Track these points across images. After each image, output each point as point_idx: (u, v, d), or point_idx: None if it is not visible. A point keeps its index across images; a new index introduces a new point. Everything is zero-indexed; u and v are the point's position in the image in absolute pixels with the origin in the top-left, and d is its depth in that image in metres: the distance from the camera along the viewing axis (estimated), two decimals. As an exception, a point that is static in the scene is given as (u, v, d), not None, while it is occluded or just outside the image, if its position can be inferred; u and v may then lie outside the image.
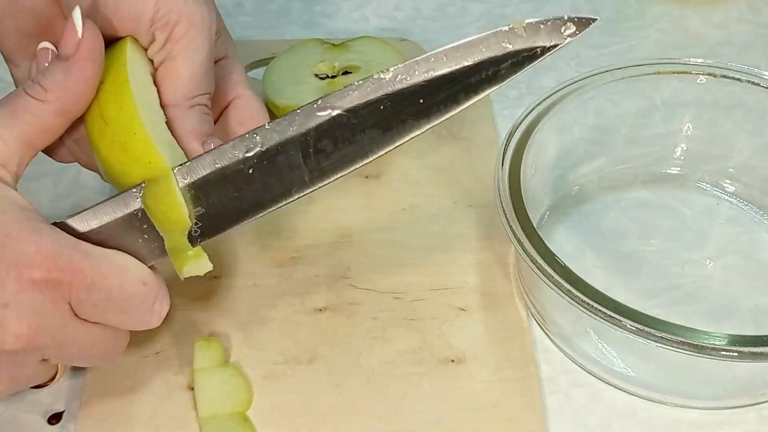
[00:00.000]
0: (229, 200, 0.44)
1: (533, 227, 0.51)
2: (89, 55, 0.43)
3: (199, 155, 0.44)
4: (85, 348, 0.43)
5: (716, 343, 0.46)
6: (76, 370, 0.53)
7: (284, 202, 0.44)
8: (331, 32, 0.74)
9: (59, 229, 0.42)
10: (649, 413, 0.51)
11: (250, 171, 0.43)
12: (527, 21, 0.42)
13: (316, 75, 0.64)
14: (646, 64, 0.60)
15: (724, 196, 0.62)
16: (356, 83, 0.43)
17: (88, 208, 0.44)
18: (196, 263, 0.45)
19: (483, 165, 0.63)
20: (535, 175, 0.57)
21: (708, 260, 0.58)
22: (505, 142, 0.55)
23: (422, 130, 0.43)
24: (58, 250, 0.40)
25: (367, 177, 0.63)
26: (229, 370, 0.51)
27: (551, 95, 0.58)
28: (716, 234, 0.60)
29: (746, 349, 0.46)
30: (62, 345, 0.42)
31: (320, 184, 0.44)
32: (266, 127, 0.43)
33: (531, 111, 0.57)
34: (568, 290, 0.48)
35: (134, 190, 0.44)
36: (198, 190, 0.43)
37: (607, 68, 0.60)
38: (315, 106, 0.43)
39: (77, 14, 0.42)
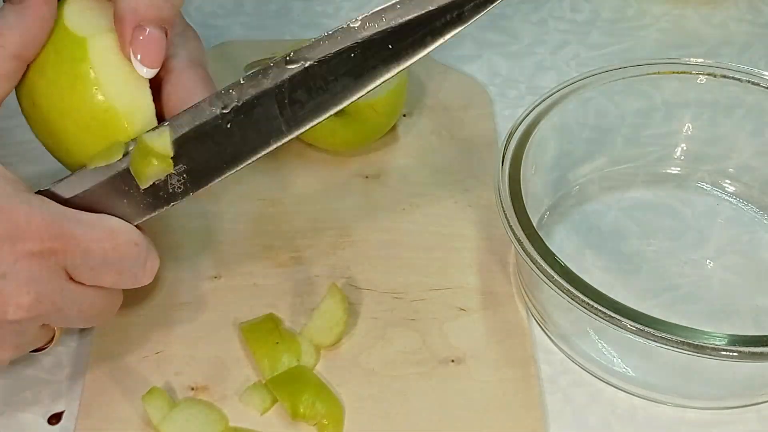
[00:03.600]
0: (210, 155, 0.44)
1: (533, 227, 0.51)
2: None
3: (177, 114, 0.44)
4: (83, 310, 0.44)
5: (716, 343, 0.46)
6: (77, 371, 0.53)
7: (263, 153, 0.45)
8: (331, 32, 0.74)
9: (48, 199, 0.43)
10: (649, 413, 0.51)
11: (228, 126, 0.44)
12: None
13: (316, 75, 0.64)
14: (646, 64, 0.60)
15: (724, 196, 0.62)
16: (325, 33, 0.43)
17: (71, 174, 0.45)
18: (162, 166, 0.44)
19: (483, 165, 0.63)
20: (535, 175, 0.57)
21: (708, 260, 0.58)
22: (505, 142, 0.55)
23: (392, 74, 0.44)
24: (49, 219, 0.41)
25: (367, 177, 0.63)
26: (184, 407, 0.50)
27: (551, 95, 0.58)
28: (716, 234, 0.60)
29: (746, 349, 0.46)
30: (61, 309, 0.43)
31: (296, 132, 0.45)
32: (241, 82, 0.44)
33: (531, 111, 0.57)
34: (568, 290, 0.48)
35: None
36: (178, 148, 0.44)
37: (607, 68, 0.60)
38: (287, 58, 0.43)
39: None
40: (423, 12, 0.42)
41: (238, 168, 0.45)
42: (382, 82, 0.44)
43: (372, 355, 0.53)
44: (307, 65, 0.43)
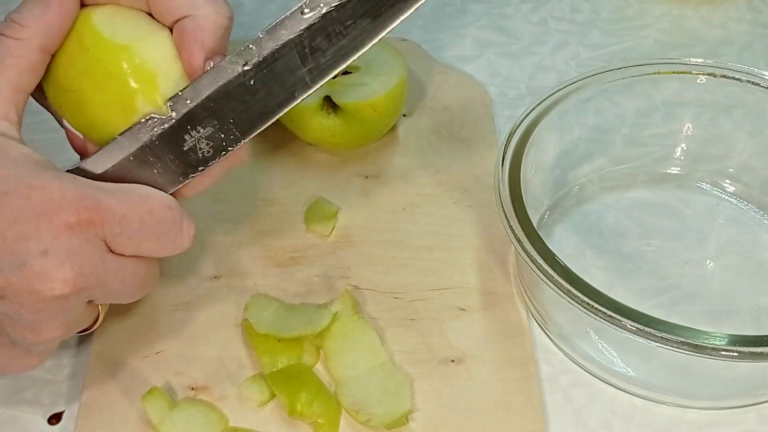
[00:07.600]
0: (236, 114, 0.44)
1: (533, 227, 0.51)
2: None
3: (199, 77, 0.44)
4: (125, 282, 0.44)
5: (716, 343, 0.46)
6: (77, 371, 0.53)
7: (289, 106, 0.45)
8: (331, 32, 0.74)
9: (77, 175, 0.43)
10: (649, 413, 0.51)
11: (251, 82, 0.44)
12: None
13: (316, 75, 0.64)
14: (646, 64, 0.60)
15: (724, 196, 0.62)
16: None
17: (99, 150, 0.45)
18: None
19: (483, 165, 0.63)
20: (535, 175, 0.57)
21: (708, 260, 0.58)
22: (505, 142, 0.55)
23: (411, 11, 0.44)
24: (82, 191, 0.41)
25: (367, 177, 0.63)
26: (184, 407, 0.50)
27: (551, 95, 0.58)
28: (716, 234, 0.60)
29: (746, 349, 0.46)
30: (104, 283, 0.43)
31: (320, 82, 0.44)
32: (260, 36, 0.44)
33: (531, 111, 0.57)
34: (568, 290, 0.48)
35: (141, 120, 0.44)
36: (204, 110, 0.44)
37: (607, 68, 0.60)
38: (303, 7, 0.43)
39: None
40: None
41: (266, 125, 0.45)
42: (401, 21, 0.43)
43: (372, 355, 0.53)
44: (324, 11, 0.43)
